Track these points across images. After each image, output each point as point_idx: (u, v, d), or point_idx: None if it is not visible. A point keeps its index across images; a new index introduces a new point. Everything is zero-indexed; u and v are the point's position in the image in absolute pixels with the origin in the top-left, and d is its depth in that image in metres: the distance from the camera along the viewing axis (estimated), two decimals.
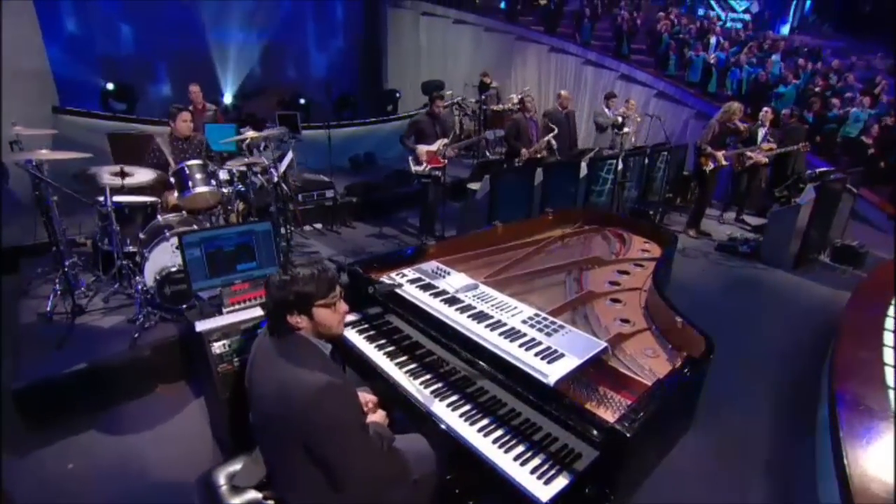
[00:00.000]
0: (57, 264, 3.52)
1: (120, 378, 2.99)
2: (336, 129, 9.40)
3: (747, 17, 12.64)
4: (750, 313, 4.49)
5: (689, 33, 11.06)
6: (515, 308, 2.04)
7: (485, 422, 1.79)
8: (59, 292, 3.40)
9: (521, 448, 1.66)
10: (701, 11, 12.91)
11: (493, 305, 2.05)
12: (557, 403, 1.57)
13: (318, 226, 6.12)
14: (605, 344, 1.77)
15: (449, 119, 9.22)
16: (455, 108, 9.32)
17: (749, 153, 6.58)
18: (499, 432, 1.74)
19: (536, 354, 1.69)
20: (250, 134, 4.08)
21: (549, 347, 1.74)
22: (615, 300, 2.46)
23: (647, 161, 6.76)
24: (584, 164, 5.91)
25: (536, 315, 1.97)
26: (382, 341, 2.30)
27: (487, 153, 8.61)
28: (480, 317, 1.96)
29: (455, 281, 2.26)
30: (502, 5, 12.50)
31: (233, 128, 5.14)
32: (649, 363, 1.90)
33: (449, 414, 1.83)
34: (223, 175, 3.71)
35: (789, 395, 3.34)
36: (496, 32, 11.46)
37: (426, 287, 2.23)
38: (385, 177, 7.39)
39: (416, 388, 1.99)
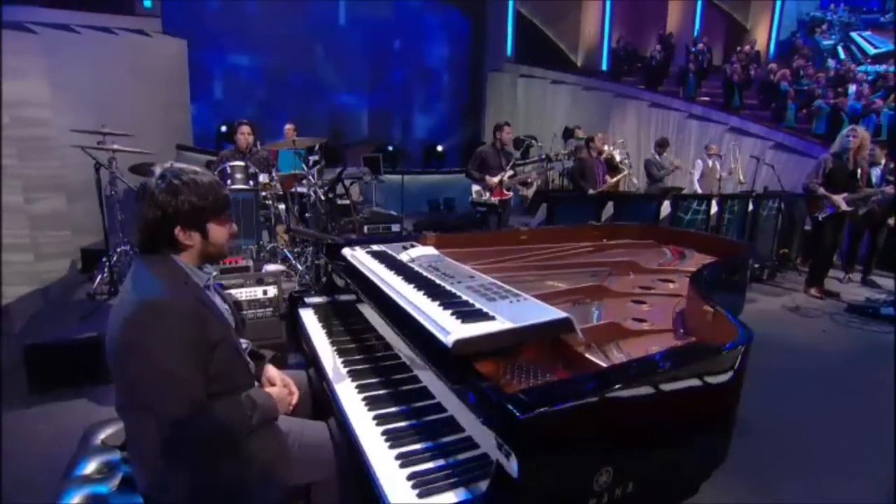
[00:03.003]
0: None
1: None
2: (421, 176, 9.69)
3: (883, 68, 10.82)
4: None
5: (817, 83, 9.75)
6: (472, 277, 1.54)
7: (389, 409, 1.29)
8: (105, 274, 3.57)
9: (415, 447, 1.13)
10: (831, 62, 11.40)
11: (444, 273, 1.57)
12: (456, 375, 1.03)
13: None
14: (563, 315, 1.19)
15: (540, 175, 8.96)
16: (545, 163, 9.02)
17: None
18: (399, 424, 1.22)
19: (453, 314, 1.18)
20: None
21: (478, 310, 1.21)
22: (639, 301, 1.81)
23: (751, 208, 5.71)
24: (667, 203, 5.13)
25: (492, 284, 1.45)
26: (335, 322, 1.92)
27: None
28: (414, 278, 1.49)
29: (416, 252, 1.82)
30: (604, 67, 12.31)
31: (301, 153, 5.35)
32: None
33: (353, 395, 1.37)
34: (263, 178, 3.75)
35: None
36: (594, 90, 11.19)
37: (378, 255, 1.83)
38: (457, 217, 7.19)
39: (334, 364, 1.56)
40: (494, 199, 4.92)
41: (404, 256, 1.79)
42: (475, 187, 5.15)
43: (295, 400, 1.59)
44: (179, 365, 1.13)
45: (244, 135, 4.11)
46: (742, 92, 9.77)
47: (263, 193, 3.76)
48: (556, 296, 1.70)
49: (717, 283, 2.06)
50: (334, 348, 1.67)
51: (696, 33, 12.89)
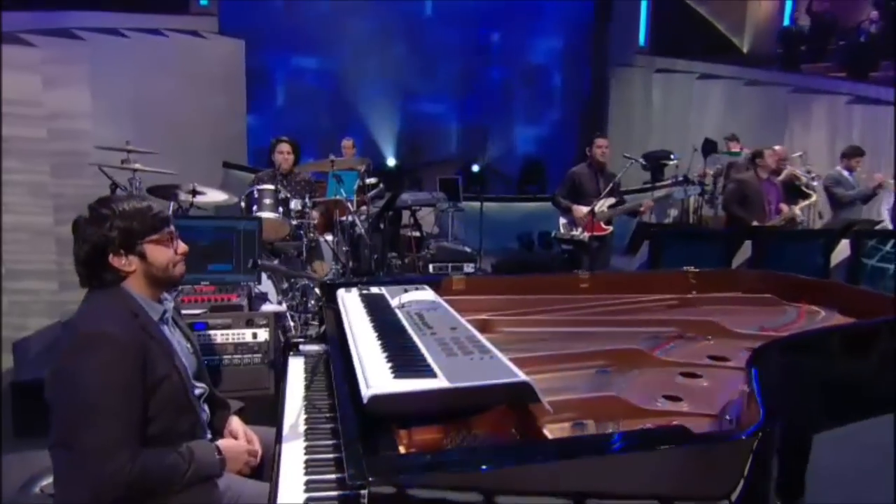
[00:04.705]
0: None
1: None
2: (513, 203, 9.93)
3: None
4: None
5: None
6: (454, 329, 1.69)
7: (327, 476, 1.45)
8: None
9: None
10: None
11: (424, 322, 1.75)
12: (367, 433, 1.19)
13: None
14: (522, 378, 1.30)
15: (674, 203, 8.72)
16: (684, 187, 8.78)
17: None
18: (329, 493, 1.39)
19: (392, 366, 1.35)
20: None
21: (425, 365, 1.37)
22: (692, 375, 1.82)
23: None
24: (845, 242, 4.79)
25: (469, 338, 1.59)
26: (321, 373, 2.16)
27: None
28: (383, 325, 1.69)
29: (410, 296, 2.02)
30: (778, 51, 11.72)
31: (355, 175, 5.83)
32: None
33: (297, 455, 1.56)
34: (294, 205, 4.20)
35: None
36: (761, 86, 10.72)
37: (368, 298, 2.05)
38: (553, 256, 7.26)
39: (296, 419, 1.78)
40: (585, 235, 4.96)
41: (395, 301, 2.00)
42: (562, 220, 5.25)
43: (256, 461, 1.83)
44: (103, 399, 1.42)
45: (282, 154, 4.62)
46: None
47: (295, 222, 4.21)
48: (570, 359, 1.79)
49: (830, 357, 1.99)
50: (305, 403, 1.89)
51: None
